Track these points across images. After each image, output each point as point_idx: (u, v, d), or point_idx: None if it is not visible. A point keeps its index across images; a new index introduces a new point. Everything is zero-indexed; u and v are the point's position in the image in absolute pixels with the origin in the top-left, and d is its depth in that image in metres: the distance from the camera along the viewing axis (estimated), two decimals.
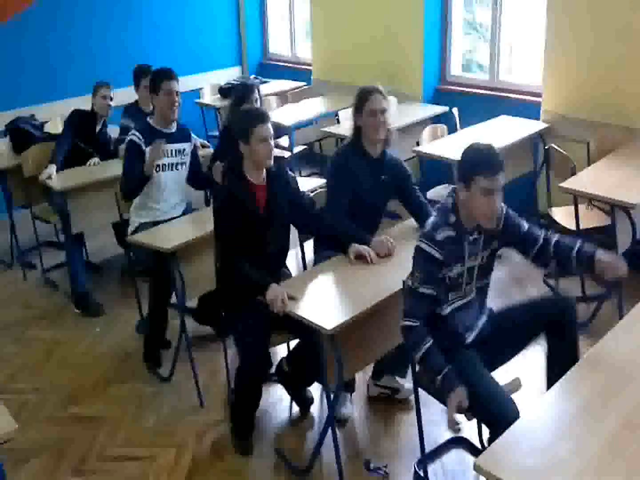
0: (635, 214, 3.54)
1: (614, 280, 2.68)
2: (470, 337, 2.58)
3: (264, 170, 3.00)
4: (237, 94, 4.09)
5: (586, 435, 1.90)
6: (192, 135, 4.04)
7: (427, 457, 2.81)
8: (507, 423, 1.97)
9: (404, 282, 2.55)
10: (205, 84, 6.57)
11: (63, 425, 3.32)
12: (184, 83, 6.64)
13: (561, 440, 1.89)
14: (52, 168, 4.35)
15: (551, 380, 2.52)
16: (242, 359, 2.98)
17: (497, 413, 2.28)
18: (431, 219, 2.51)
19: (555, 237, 2.57)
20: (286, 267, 3.31)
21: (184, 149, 3.91)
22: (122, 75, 6.03)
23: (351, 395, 3.34)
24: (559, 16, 4.58)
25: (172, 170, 3.86)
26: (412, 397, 3.25)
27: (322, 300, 2.77)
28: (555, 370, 2.47)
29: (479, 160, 2.39)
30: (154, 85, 3.76)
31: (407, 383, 3.38)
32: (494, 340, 2.62)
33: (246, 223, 2.91)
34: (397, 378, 3.36)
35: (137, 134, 3.73)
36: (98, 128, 4.68)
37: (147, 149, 3.71)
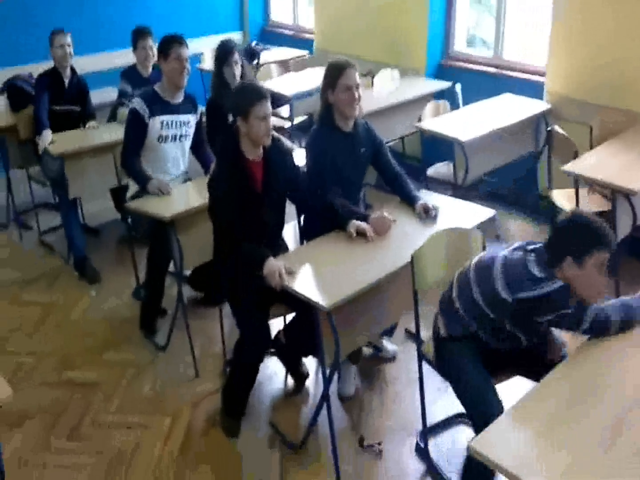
0: (636, 200, 3.54)
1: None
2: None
3: (261, 146, 2.97)
4: (216, 56, 4.07)
5: (579, 423, 1.92)
6: (199, 105, 3.96)
7: (430, 430, 2.87)
8: (489, 418, 2.00)
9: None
10: (206, 49, 6.46)
11: (57, 390, 3.33)
12: None
13: (556, 427, 1.91)
14: (48, 133, 4.29)
15: None
16: (243, 338, 2.98)
17: (481, 410, 2.32)
18: (538, 273, 2.24)
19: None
20: (282, 240, 3.30)
21: (189, 121, 3.82)
22: (123, 36, 5.95)
23: (358, 367, 3.36)
24: None
25: (175, 141, 3.79)
26: (408, 372, 3.32)
27: (320, 275, 2.74)
28: None
29: (598, 235, 2.21)
30: (164, 50, 3.65)
31: (389, 344, 3.53)
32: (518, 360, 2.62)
33: (242, 200, 2.88)
34: (383, 339, 3.48)
35: (140, 102, 3.63)
36: (67, 81, 4.57)
37: (150, 120, 3.63)
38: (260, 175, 2.96)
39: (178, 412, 3.17)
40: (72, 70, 4.62)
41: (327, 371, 2.72)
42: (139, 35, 4.53)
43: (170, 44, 3.65)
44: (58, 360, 3.55)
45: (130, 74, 4.57)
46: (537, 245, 2.34)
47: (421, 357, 2.75)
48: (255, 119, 2.82)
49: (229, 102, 3.51)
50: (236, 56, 4.03)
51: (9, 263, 4.58)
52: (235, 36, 7.19)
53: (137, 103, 3.64)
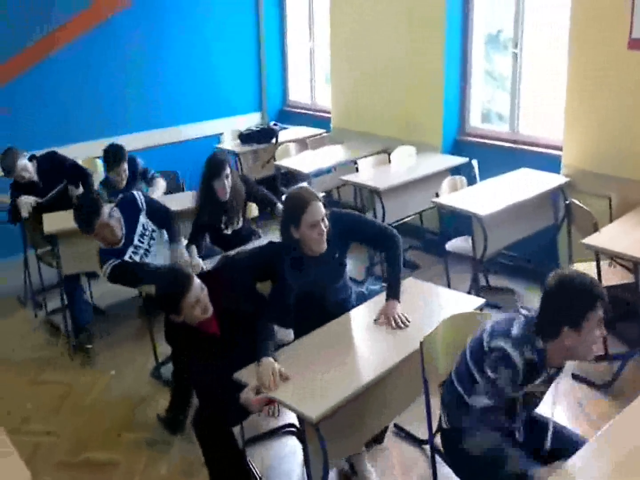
0: None
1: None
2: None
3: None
4: (206, 170, 3.99)
5: None
6: (136, 196, 3.95)
7: None
8: None
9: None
10: (226, 129, 6.64)
11: (76, 471, 3.28)
12: (205, 128, 6.83)
13: None
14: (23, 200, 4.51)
15: None
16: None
17: None
18: (515, 331, 2.24)
19: None
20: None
21: (143, 225, 3.90)
22: (143, 120, 6.16)
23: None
24: (580, 69, 4.59)
25: (147, 255, 3.88)
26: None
27: (309, 380, 2.52)
28: None
29: (587, 296, 2.15)
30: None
31: (372, 473, 3.11)
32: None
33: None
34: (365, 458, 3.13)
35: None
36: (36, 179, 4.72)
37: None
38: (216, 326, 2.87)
39: None
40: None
41: None
42: (114, 159, 4.67)
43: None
44: (76, 441, 3.51)
45: (107, 185, 4.79)
46: (531, 312, 2.30)
47: (434, 452, 2.63)
48: (187, 309, 2.73)
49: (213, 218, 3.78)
50: (227, 170, 3.96)
51: (29, 341, 4.59)
52: (254, 116, 7.39)
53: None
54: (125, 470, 3.27)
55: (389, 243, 3.06)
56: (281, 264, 2.93)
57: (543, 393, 2.44)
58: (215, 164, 3.99)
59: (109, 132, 6.10)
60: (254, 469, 3.16)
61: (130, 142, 6.20)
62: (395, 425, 3.41)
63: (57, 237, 4.25)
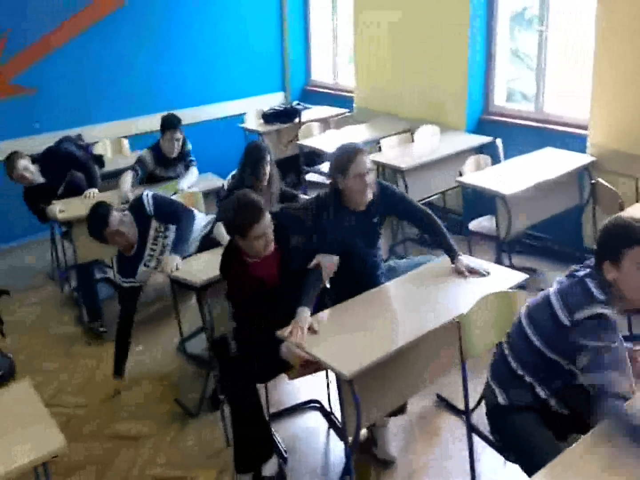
0: None
1: None
2: None
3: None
4: (248, 158, 4.00)
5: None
6: (144, 201, 3.88)
7: None
8: None
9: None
10: (250, 109, 6.66)
11: (106, 442, 3.38)
12: (229, 108, 6.86)
13: None
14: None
15: None
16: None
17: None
18: (596, 292, 2.23)
19: None
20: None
21: (155, 228, 3.89)
22: (167, 100, 6.20)
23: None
24: (608, 47, 4.54)
25: (163, 253, 3.87)
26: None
27: (344, 341, 2.65)
28: None
29: (631, 232, 2.22)
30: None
31: (391, 445, 3.17)
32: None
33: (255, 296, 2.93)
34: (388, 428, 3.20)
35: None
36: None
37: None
38: (266, 271, 2.94)
39: (224, 465, 3.15)
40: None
41: (350, 440, 2.59)
42: (167, 126, 4.72)
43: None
44: (106, 414, 3.61)
45: (157, 150, 4.79)
46: (587, 270, 2.32)
47: (471, 429, 2.68)
48: (252, 239, 2.81)
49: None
50: (267, 158, 4.00)
51: (58, 316, 4.71)
52: (278, 96, 7.40)
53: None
54: (154, 443, 3.36)
55: (432, 219, 3.22)
56: (326, 211, 3.06)
57: None
58: (257, 149, 4.03)
59: (134, 112, 6.19)
60: (279, 442, 3.22)
61: (154, 122, 6.24)
62: (438, 396, 3.50)
63: (72, 223, 4.35)
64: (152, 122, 6.27)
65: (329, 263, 2.97)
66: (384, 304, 2.96)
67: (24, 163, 4.63)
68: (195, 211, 4.08)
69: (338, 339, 2.66)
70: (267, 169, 4.01)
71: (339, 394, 2.52)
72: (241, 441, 2.93)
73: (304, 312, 2.75)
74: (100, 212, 3.70)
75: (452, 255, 3.14)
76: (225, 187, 4.21)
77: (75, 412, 3.62)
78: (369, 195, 3.03)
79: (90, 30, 5.97)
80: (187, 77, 6.63)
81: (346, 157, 3.00)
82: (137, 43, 6.28)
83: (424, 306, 2.86)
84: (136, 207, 3.89)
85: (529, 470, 2.31)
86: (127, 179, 4.54)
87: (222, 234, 3.40)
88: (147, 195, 3.89)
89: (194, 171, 4.84)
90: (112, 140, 5.60)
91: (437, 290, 2.99)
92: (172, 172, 4.85)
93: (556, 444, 2.32)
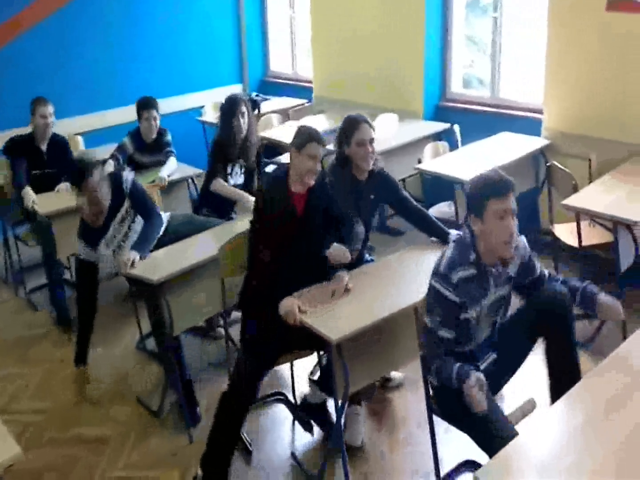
0: (638, 231, 3.54)
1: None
2: (482, 366, 2.57)
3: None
4: (224, 109, 4.26)
5: (588, 450, 1.89)
6: (123, 179, 3.72)
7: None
8: (504, 444, 1.95)
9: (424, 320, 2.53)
10: (207, 102, 6.59)
11: (66, 447, 3.30)
12: (187, 101, 6.78)
13: (564, 455, 1.88)
14: (29, 191, 4.39)
15: (553, 390, 2.55)
16: (230, 386, 2.96)
17: (495, 436, 2.25)
18: (448, 255, 2.44)
19: (561, 277, 2.62)
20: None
21: (127, 209, 3.73)
22: (121, 95, 6.10)
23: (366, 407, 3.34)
24: (559, 32, 4.59)
25: (124, 242, 3.72)
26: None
27: (334, 310, 2.81)
28: (556, 379, 2.54)
29: (487, 185, 2.38)
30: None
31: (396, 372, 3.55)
32: (499, 361, 2.61)
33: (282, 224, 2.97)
34: None
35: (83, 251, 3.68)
36: (44, 145, 4.70)
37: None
38: (302, 206, 3.03)
39: (187, 464, 3.12)
40: (53, 137, 4.74)
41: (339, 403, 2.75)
42: (142, 107, 4.67)
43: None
44: (65, 417, 3.54)
45: (136, 135, 4.75)
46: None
47: (431, 409, 2.69)
48: (307, 157, 2.94)
49: (230, 151, 4.06)
50: (243, 107, 4.22)
51: (16, 319, 4.59)
52: (236, 88, 7.33)
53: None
54: (115, 445, 3.30)
55: (423, 212, 3.45)
56: (335, 177, 3.27)
57: (504, 297, 2.55)
58: (232, 101, 4.26)
59: (88, 108, 6.07)
60: (244, 436, 3.20)
61: (110, 117, 6.18)
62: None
63: (50, 218, 4.20)
64: (107, 117, 6.20)
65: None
66: (375, 279, 3.07)
67: (42, 109, 4.60)
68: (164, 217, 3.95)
69: (327, 310, 2.81)
70: (244, 120, 4.20)
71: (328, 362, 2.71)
72: (214, 442, 2.94)
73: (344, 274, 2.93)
74: (87, 160, 3.65)
75: (445, 237, 3.25)
76: None
77: (33, 419, 3.52)
78: (371, 163, 3.28)
79: (41, 24, 5.82)
80: (141, 71, 6.52)
81: (351, 125, 3.27)
82: (87, 40, 6.14)
83: (413, 284, 2.91)
84: (114, 180, 3.74)
85: (475, 438, 2.40)
86: (109, 168, 4.40)
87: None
88: (128, 176, 3.78)
89: (173, 160, 4.76)
90: (68, 136, 5.47)
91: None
92: (148, 158, 4.75)
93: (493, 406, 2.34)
